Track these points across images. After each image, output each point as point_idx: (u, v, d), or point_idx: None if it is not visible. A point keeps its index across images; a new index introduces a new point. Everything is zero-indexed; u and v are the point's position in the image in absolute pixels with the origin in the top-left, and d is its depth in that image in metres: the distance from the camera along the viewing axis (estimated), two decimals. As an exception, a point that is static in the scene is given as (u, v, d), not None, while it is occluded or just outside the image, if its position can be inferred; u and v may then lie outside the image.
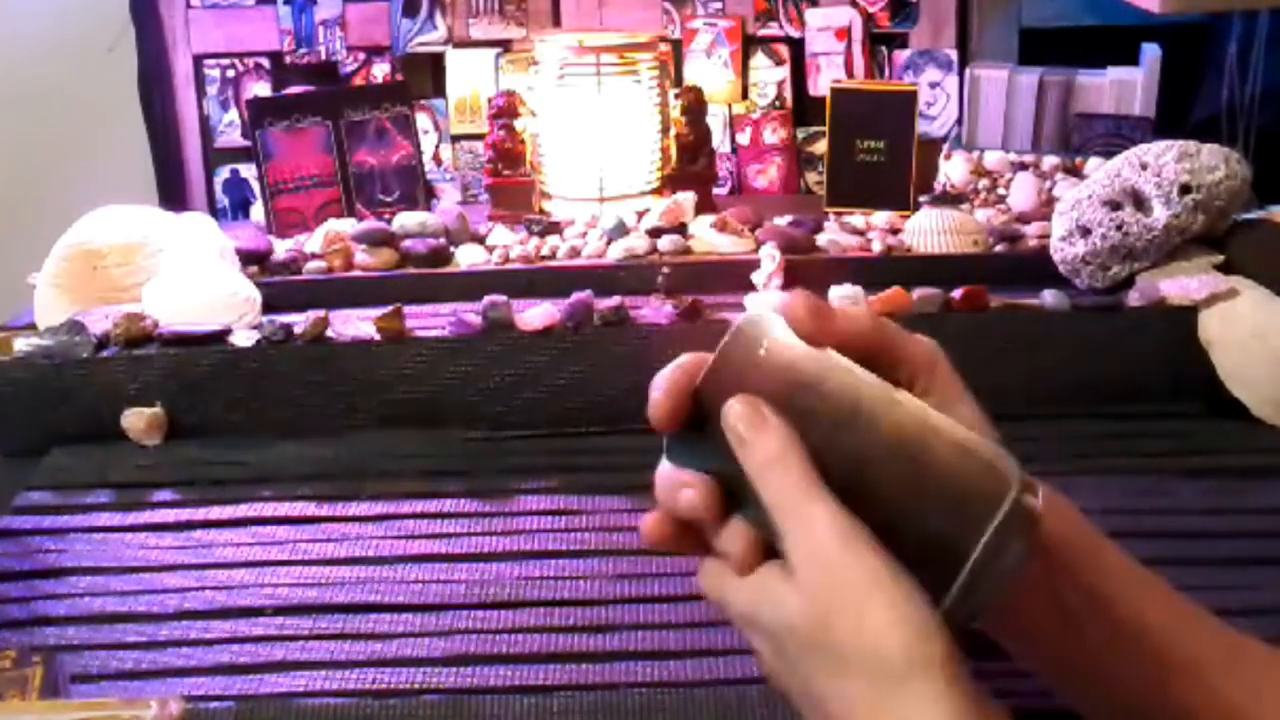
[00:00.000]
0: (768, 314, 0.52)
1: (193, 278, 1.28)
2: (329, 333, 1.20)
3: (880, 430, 0.48)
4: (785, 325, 0.51)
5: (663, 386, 0.53)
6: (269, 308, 1.29)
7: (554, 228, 1.48)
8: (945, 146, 1.64)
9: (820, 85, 1.70)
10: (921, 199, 1.51)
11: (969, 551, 0.46)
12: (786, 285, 1.30)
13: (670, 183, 1.57)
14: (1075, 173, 1.53)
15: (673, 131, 1.59)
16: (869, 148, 1.52)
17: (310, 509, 1.05)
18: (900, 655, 0.45)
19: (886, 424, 0.48)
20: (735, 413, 0.50)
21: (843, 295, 1.24)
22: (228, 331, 1.20)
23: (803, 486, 0.48)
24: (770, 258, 1.33)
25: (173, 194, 1.72)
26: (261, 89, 1.73)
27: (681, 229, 1.44)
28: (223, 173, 1.75)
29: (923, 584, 0.46)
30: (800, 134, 1.75)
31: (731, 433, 0.50)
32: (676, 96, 1.60)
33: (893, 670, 0.45)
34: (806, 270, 1.32)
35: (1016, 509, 0.46)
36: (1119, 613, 0.53)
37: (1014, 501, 0.46)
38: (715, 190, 1.63)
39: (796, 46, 1.74)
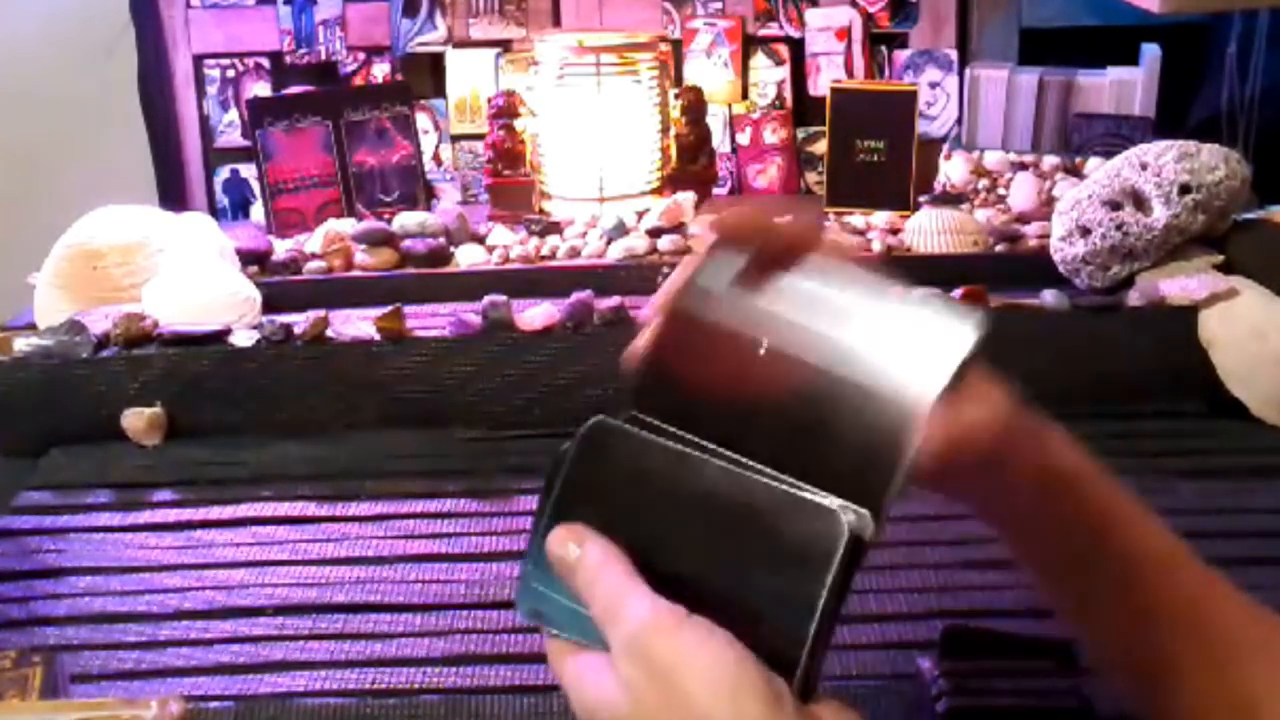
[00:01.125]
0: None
1: (193, 278, 1.28)
2: (329, 333, 1.20)
3: (704, 492, 0.48)
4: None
5: None
6: (269, 308, 1.29)
7: (554, 228, 1.48)
8: (945, 146, 1.64)
9: (820, 85, 1.70)
10: (921, 199, 1.51)
11: (814, 604, 0.45)
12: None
13: (670, 183, 1.57)
14: (1075, 173, 1.53)
15: (673, 131, 1.59)
16: (869, 148, 1.52)
17: (310, 509, 1.05)
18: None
19: (708, 488, 0.48)
20: (555, 539, 0.49)
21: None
22: (228, 331, 1.20)
23: (617, 587, 0.47)
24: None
25: (173, 194, 1.72)
26: (261, 89, 1.73)
27: (681, 229, 1.44)
28: (223, 173, 1.75)
29: (771, 641, 0.45)
30: (800, 134, 1.75)
31: (555, 561, 0.49)
32: (676, 96, 1.60)
33: None
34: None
35: (852, 549, 0.46)
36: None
37: (848, 544, 0.46)
38: (715, 190, 1.63)
39: (796, 46, 1.74)
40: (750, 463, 0.48)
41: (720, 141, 1.72)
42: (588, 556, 0.48)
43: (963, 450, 0.54)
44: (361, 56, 1.75)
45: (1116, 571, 0.57)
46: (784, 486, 0.47)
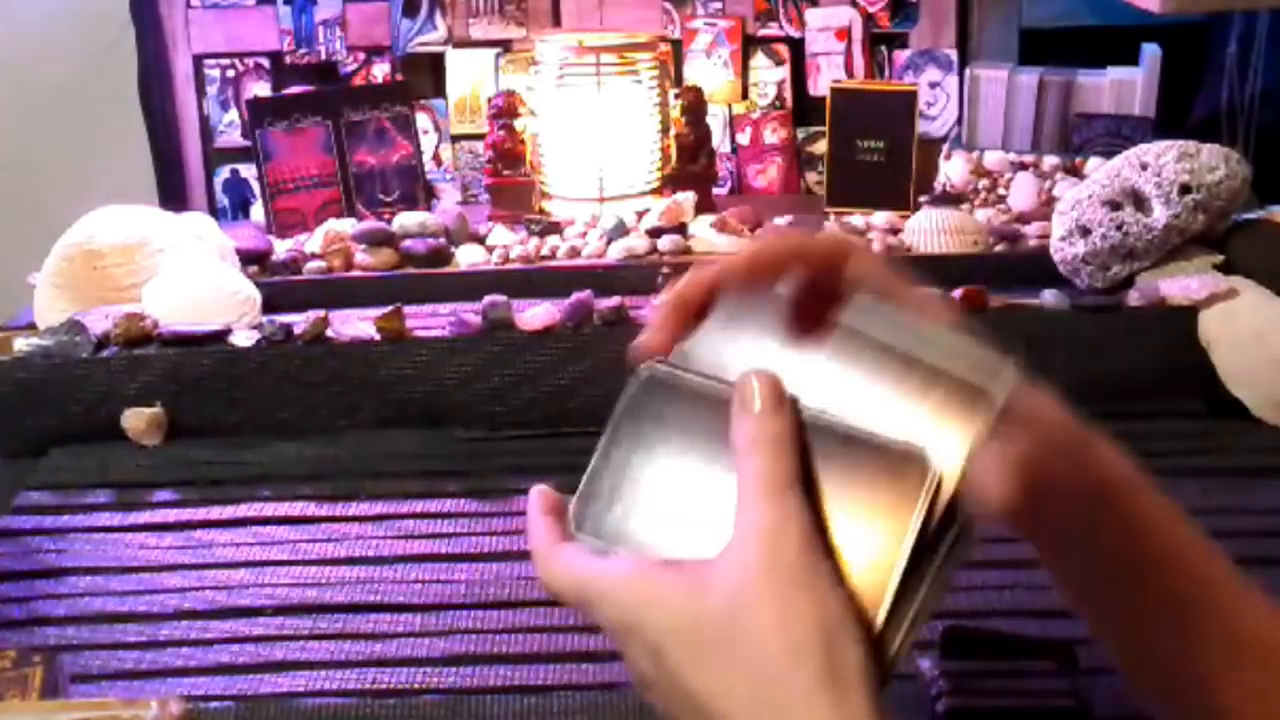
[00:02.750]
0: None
1: (193, 278, 1.28)
2: (329, 333, 1.20)
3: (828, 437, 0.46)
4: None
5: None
6: (269, 308, 1.29)
7: (554, 228, 1.48)
8: (945, 146, 1.64)
9: (820, 85, 1.70)
10: (921, 199, 1.51)
11: (894, 559, 0.44)
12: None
13: (670, 183, 1.57)
14: (1075, 173, 1.53)
15: (673, 131, 1.59)
16: (869, 148, 1.52)
17: (310, 509, 1.05)
18: (819, 656, 0.42)
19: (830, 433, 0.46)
20: (760, 381, 0.47)
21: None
22: (228, 331, 1.20)
23: (787, 477, 0.45)
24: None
25: (173, 194, 1.72)
26: (261, 89, 1.73)
27: (681, 229, 1.44)
28: (223, 173, 1.75)
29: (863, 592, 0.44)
30: (800, 134, 1.75)
31: (743, 397, 0.47)
32: (676, 96, 1.60)
33: (814, 662, 0.42)
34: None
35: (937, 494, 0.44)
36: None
37: (930, 487, 0.44)
38: (715, 190, 1.63)
39: (796, 46, 1.74)
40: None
41: (720, 141, 1.72)
42: (779, 421, 0.46)
43: (1005, 483, 0.50)
44: (361, 56, 1.75)
45: (1167, 591, 0.55)
46: (859, 427, 0.45)
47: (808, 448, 0.46)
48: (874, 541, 0.44)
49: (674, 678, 0.44)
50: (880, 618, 0.43)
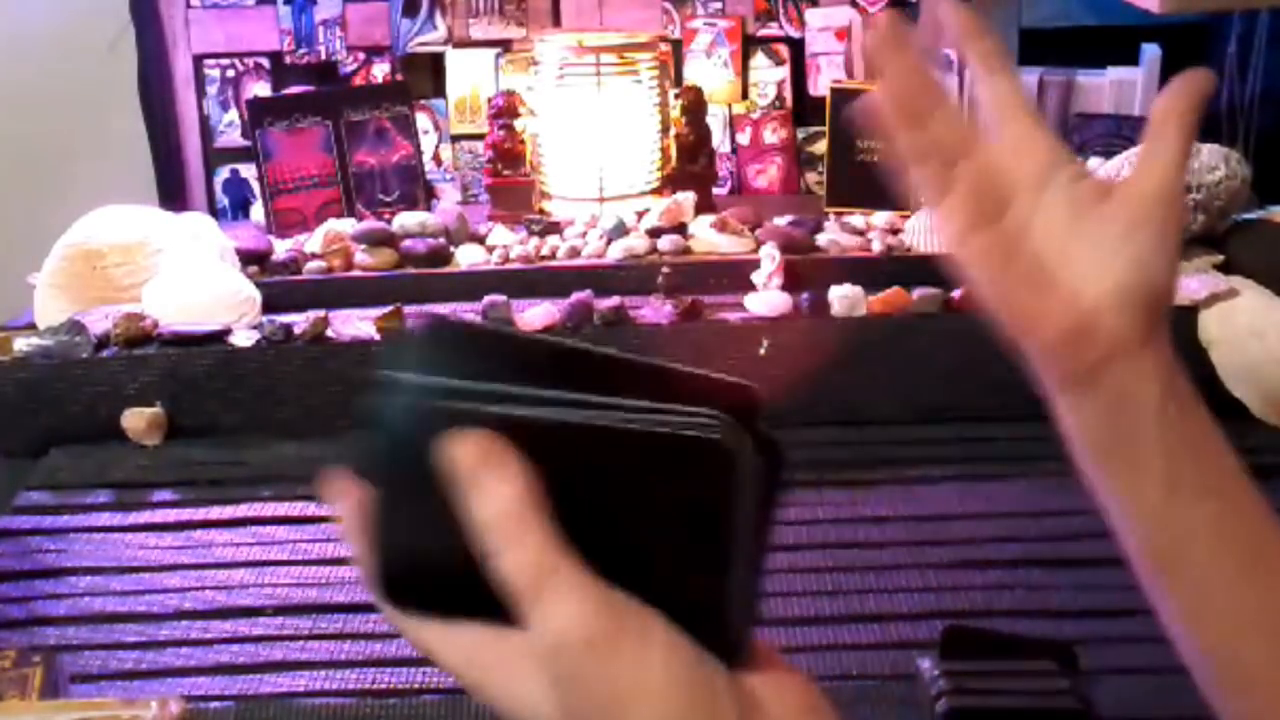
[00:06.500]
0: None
1: (193, 278, 1.28)
2: (329, 333, 1.20)
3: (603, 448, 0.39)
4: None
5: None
6: (269, 308, 1.29)
7: (554, 228, 1.48)
8: (945, 146, 1.64)
9: (820, 85, 1.70)
10: (921, 199, 1.51)
11: (725, 554, 0.39)
12: (786, 285, 1.30)
13: (670, 183, 1.57)
14: (1075, 173, 1.53)
15: (673, 131, 1.59)
16: (869, 148, 1.52)
17: (310, 509, 1.05)
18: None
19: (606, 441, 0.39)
20: (461, 451, 0.38)
21: (842, 295, 1.24)
22: (228, 331, 1.20)
23: (546, 557, 0.38)
24: (770, 258, 1.33)
25: (173, 194, 1.72)
26: (261, 89, 1.73)
27: (681, 229, 1.44)
28: (223, 173, 1.75)
29: (673, 594, 0.40)
30: (800, 134, 1.75)
31: (457, 476, 0.39)
32: (676, 96, 1.60)
33: None
34: (806, 270, 1.32)
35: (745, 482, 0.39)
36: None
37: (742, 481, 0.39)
38: (715, 190, 1.63)
39: (796, 46, 1.74)
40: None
41: (720, 141, 1.72)
42: (505, 486, 0.38)
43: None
44: (361, 56, 1.75)
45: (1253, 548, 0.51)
46: (641, 419, 0.39)
47: (583, 462, 0.39)
48: (695, 548, 0.40)
49: None
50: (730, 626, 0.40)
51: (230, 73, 1.74)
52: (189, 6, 1.72)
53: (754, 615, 0.41)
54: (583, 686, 0.39)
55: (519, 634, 0.40)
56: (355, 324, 1.21)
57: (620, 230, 1.42)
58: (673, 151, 1.58)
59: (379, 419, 0.42)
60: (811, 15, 1.72)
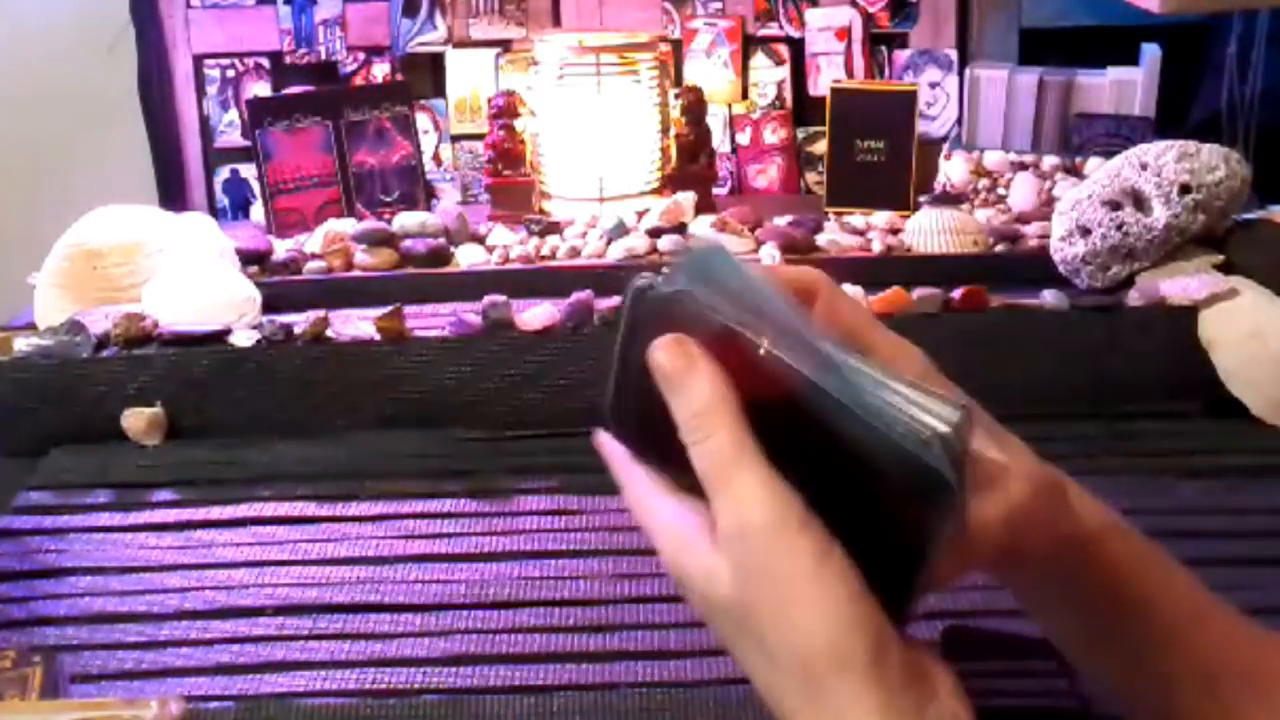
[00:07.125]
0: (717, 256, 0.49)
1: (193, 278, 1.28)
2: (329, 333, 1.20)
3: (822, 400, 0.44)
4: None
5: None
6: (269, 308, 1.29)
7: (554, 228, 1.48)
8: (945, 146, 1.64)
9: (820, 85, 1.70)
10: (921, 199, 1.51)
11: (921, 551, 0.43)
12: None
13: (670, 183, 1.57)
14: (1075, 173, 1.53)
15: (673, 131, 1.59)
16: (869, 148, 1.52)
17: (310, 509, 1.05)
18: (823, 656, 0.42)
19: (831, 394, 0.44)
20: (663, 355, 0.46)
21: (843, 295, 1.23)
22: (228, 331, 1.20)
23: (731, 450, 0.44)
24: (770, 258, 1.33)
25: (173, 194, 1.72)
26: (261, 89, 1.73)
27: (681, 229, 1.44)
28: (223, 173, 1.75)
29: (858, 558, 0.43)
30: (800, 134, 1.75)
31: (659, 376, 0.46)
32: (676, 96, 1.60)
33: (814, 671, 0.42)
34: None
35: (951, 500, 0.43)
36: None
37: (950, 499, 0.43)
38: (715, 190, 1.63)
39: (796, 46, 1.74)
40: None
41: (720, 141, 1.72)
42: (699, 386, 0.44)
43: (980, 547, 0.49)
44: (361, 56, 1.75)
45: (1141, 635, 0.55)
46: (883, 408, 0.43)
47: (816, 405, 0.43)
48: (890, 550, 0.43)
49: (733, 647, 0.46)
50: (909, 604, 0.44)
51: (230, 73, 1.74)
52: (189, 7, 1.72)
53: (909, 614, 0.44)
54: (760, 570, 0.42)
55: (709, 516, 0.44)
56: (355, 324, 1.21)
57: (620, 230, 1.42)
58: (673, 151, 1.58)
59: (658, 296, 0.48)
60: (811, 15, 1.72)
